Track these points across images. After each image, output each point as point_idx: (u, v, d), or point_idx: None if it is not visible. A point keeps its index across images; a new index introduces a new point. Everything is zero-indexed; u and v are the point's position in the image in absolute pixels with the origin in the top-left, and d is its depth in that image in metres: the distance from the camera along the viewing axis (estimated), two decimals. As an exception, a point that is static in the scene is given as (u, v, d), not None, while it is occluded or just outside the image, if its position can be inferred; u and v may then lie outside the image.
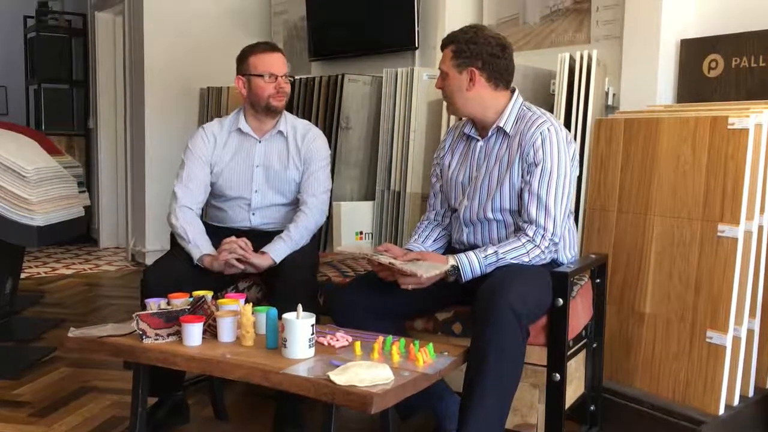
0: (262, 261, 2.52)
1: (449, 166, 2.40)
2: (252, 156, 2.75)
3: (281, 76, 2.67)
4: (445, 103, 2.42)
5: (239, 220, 2.77)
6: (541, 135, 2.16)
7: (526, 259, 2.13)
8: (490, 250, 2.12)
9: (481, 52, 2.21)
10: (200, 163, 2.72)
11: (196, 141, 2.75)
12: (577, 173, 2.31)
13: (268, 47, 2.73)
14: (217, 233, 2.67)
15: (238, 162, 2.74)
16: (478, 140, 2.32)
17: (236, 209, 2.76)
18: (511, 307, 1.92)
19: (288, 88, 2.72)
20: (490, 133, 2.28)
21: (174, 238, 2.73)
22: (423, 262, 2.11)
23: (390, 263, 2.10)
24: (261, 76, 2.65)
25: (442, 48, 2.30)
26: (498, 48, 2.24)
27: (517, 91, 2.30)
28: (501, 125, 2.25)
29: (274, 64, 2.67)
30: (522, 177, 2.19)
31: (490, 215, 2.24)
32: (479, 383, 1.91)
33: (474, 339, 1.97)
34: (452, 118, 3.37)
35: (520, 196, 2.19)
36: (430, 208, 2.50)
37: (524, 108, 2.27)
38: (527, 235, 2.14)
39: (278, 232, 2.66)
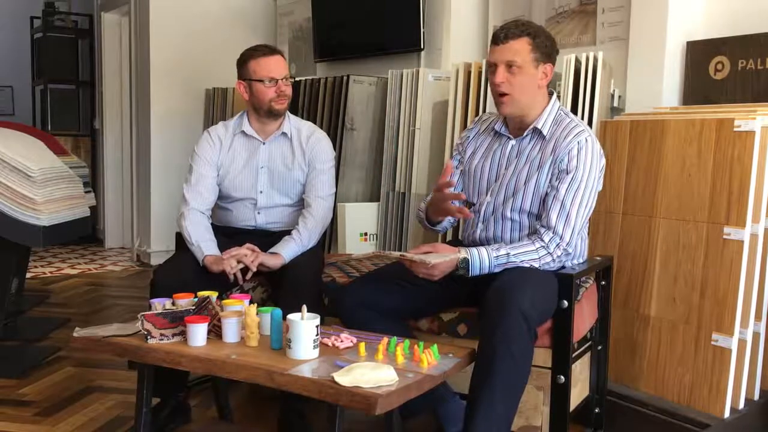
0: (275, 261, 2.53)
1: (472, 160, 2.38)
2: (257, 158, 2.75)
3: (281, 79, 2.67)
4: (492, 99, 2.24)
5: (245, 220, 2.77)
6: (578, 144, 2.15)
7: (537, 264, 2.12)
8: (503, 251, 2.11)
9: (553, 50, 2.22)
10: (208, 166, 2.73)
11: (202, 145, 2.76)
12: (601, 188, 2.29)
13: (267, 51, 2.71)
14: (223, 233, 2.67)
15: (243, 164, 2.75)
16: (510, 138, 2.30)
17: (242, 209, 2.77)
18: (522, 311, 1.92)
19: (289, 91, 2.71)
20: (525, 133, 2.25)
21: (179, 239, 2.73)
22: (434, 253, 2.12)
23: (401, 255, 2.12)
24: (261, 81, 2.65)
25: (510, 38, 2.15)
26: (555, 47, 2.25)
27: (555, 95, 2.28)
28: (539, 126, 2.22)
29: (274, 68, 2.66)
30: (550, 182, 2.17)
31: (508, 214, 2.23)
32: (487, 386, 1.91)
33: (483, 342, 1.97)
34: (458, 118, 3.36)
35: (543, 201, 2.18)
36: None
37: (562, 113, 2.25)
38: (542, 241, 2.13)
39: (283, 233, 2.67)
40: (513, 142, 2.28)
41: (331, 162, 2.80)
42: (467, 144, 2.43)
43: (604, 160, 2.26)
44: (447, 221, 2.44)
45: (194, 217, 2.64)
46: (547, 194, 2.17)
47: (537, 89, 2.21)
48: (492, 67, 2.20)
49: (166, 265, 2.58)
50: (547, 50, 2.20)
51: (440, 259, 2.07)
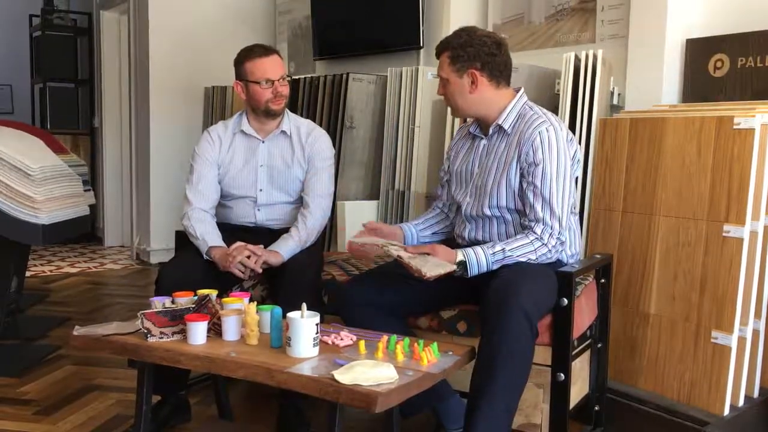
0: (275, 259, 2.53)
1: (454, 162, 2.42)
2: (256, 156, 2.75)
3: (278, 80, 2.65)
4: (450, 108, 2.41)
5: (245, 217, 2.77)
6: (540, 135, 2.15)
7: (533, 257, 2.13)
8: (498, 247, 2.12)
9: (478, 53, 2.21)
10: (208, 165, 2.73)
11: (202, 144, 2.76)
12: (579, 174, 2.31)
13: (262, 51, 2.68)
14: (223, 230, 2.67)
15: (242, 163, 2.75)
16: (482, 138, 2.33)
17: (242, 206, 2.77)
18: (522, 308, 1.92)
19: (286, 91, 2.70)
20: (491, 132, 2.29)
21: (179, 237, 2.72)
22: (431, 258, 2.11)
23: (398, 256, 2.11)
24: (257, 82, 2.64)
25: (438, 55, 2.30)
26: (494, 46, 2.23)
27: (521, 91, 2.30)
28: (500, 123, 2.25)
29: (269, 69, 2.64)
30: (522, 177, 2.18)
31: (487, 212, 2.25)
32: (489, 384, 1.91)
33: (484, 340, 1.97)
34: (457, 117, 3.36)
35: (521, 195, 2.19)
36: (438, 199, 2.55)
37: (526, 107, 2.27)
38: (535, 233, 2.14)
39: (283, 230, 2.67)
40: (484, 141, 2.32)
41: (331, 160, 2.79)
42: (452, 151, 2.47)
43: (575, 146, 2.27)
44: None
45: (198, 215, 2.64)
46: (525, 189, 2.18)
47: (469, 96, 2.25)
48: None
49: (172, 263, 2.58)
50: (467, 57, 2.21)
51: (435, 271, 2.05)
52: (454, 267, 2.09)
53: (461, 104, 2.28)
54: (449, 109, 2.42)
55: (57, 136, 4.54)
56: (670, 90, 3.00)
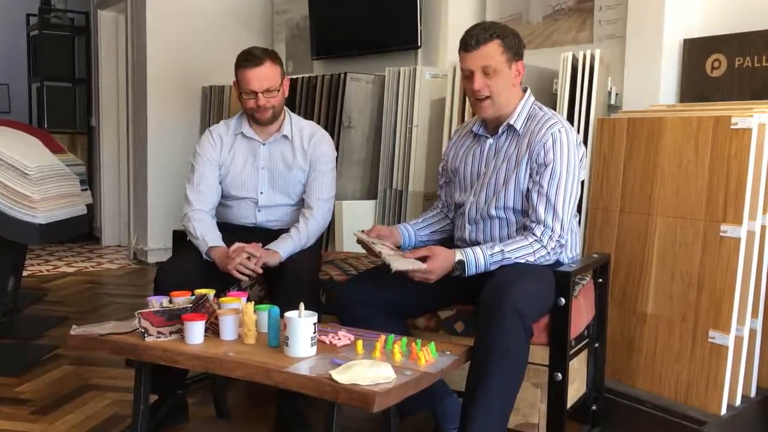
0: (274, 259, 2.52)
1: (454, 162, 2.41)
2: (257, 159, 2.74)
3: (262, 92, 2.60)
4: (481, 106, 2.23)
5: (245, 217, 2.77)
6: (552, 136, 2.15)
7: (532, 259, 2.13)
8: (497, 248, 2.12)
9: (521, 45, 2.23)
10: (209, 165, 2.72)
11: (203, 144, 2.75)
12: (584, 177, 2.30)
13: (252, 63, 2.60)
14: (223, 229, 2.67)
15: (243, 165, 2.74)
16: (487, 137, 2.31)
17: (242, 206, 2.76)
18: (516, 307, 1.92)
19: (272, 102, 2.64)
20: (500, 131, 2.27)
21: (176, 237, 2.71)
22: (399, 256, 2.12)
23: (379, 252, 2.14)
24: (242, 91, 2.64)
25: (481, 42, 2.16)
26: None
27: (529, 90, 2.30)
28: (512, 123, 2.24)
29: (253, 81, 2.59)
30: (530, 177, 2.18)
31: (494, 213, 2.24)
32: (483, 384, 1.92)
33: (478, 339, 1.97)
34: (455, 116, 3.37)
35: (527, 196, 2.19)
36: (440, 199, 2.54)
37: (536, 107, 2.27)
38: (535, 235, 2.14)
39: (283, 231, 2.67)
40: (490, 141, 2.30)
41: (333, 164, 2.78)
42: (450, 151, 2.46)
43: (583, 149, 2.27)
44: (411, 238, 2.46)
45: (198, 216, 2.63)
46: (530, 189, 2.18)
47: (512, 88, 2.23)
48: (467, 73, 2.22)
49: (170, 263, 2.58)
50: (516, 48, 2.22)
51: (402, 267, 2.05)
52: (423, 265, 2.09)
53: (503, 98, 2.22)
54: (478, 107, 2.23)
55: (54, 136, 4.54)
56: (668, 90, 3.01)
